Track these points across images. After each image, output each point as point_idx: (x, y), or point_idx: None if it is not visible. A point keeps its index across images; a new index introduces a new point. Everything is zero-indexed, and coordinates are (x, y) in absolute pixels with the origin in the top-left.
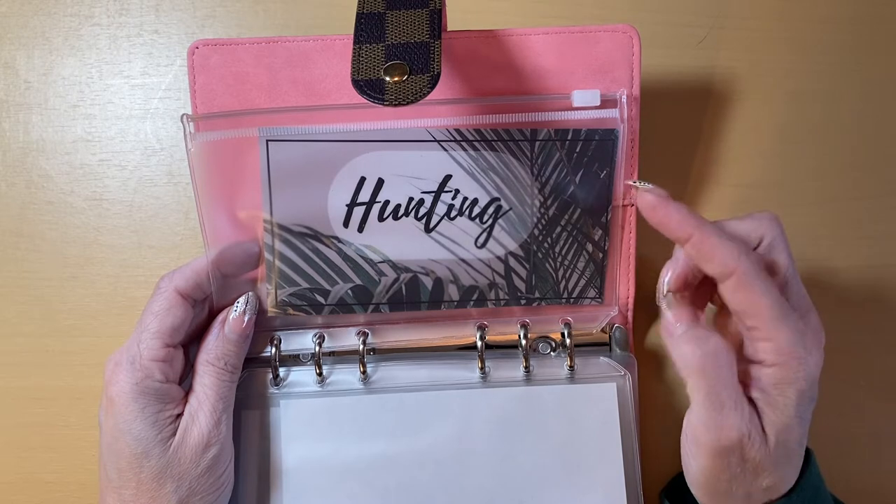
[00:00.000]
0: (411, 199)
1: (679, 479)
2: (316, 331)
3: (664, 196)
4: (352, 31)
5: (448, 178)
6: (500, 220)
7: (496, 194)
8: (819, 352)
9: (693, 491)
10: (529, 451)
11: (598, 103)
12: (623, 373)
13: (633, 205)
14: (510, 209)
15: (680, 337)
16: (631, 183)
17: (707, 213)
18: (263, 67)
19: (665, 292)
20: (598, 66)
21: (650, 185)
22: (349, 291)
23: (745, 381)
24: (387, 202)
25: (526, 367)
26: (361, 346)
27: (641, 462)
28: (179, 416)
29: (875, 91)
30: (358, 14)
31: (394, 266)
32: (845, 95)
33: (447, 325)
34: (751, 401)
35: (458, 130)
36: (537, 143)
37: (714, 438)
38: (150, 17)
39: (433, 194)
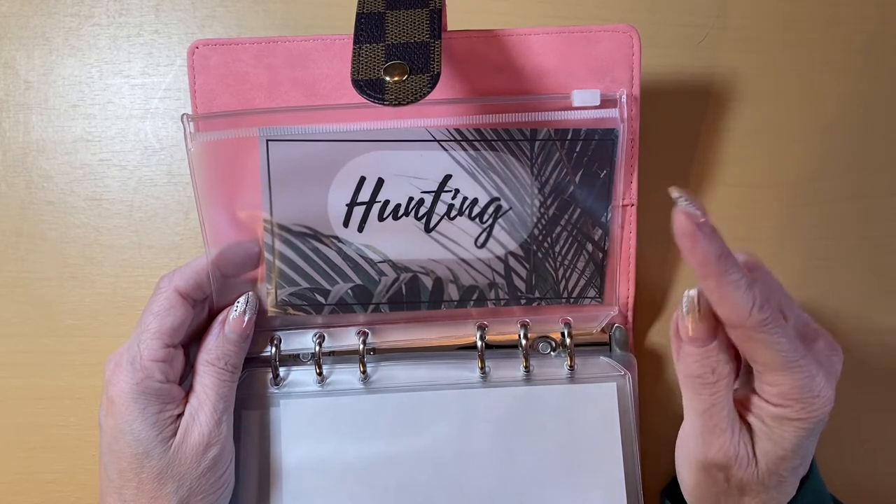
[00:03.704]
0: (411, 198)
1: None
2: (316, 331)
3: (702, 224)
4: (352, 31)
5: (448, 177)
6: (499, 220)
7: (496, 194)
8: (832, 386)
9: (686, 497)
10: (529, 451)
11: (598, 103)
12: (623, 373)
13: (633, 204)
14: (510, 209)
15: (691, 353)
16: (674, 194)
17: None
18: (263, 67)
19: (692, 296)
20: (598, 66)
21: (688, 205)
22: (349, 291)
23: (745, 405)
24: (387, 202)
25: (526, 367)
26: (361, 346)
27: (641, 462)
28: (180, 416)
29: (875, 91)
30: (358, 14)
31: (394, 266)
32: (845, 95)
33: (447, 324)
34: (747, 423)
35: (458, 130)
36: (537, 143)
37: (702, 455)
38: (150, 17)
39: (433, 194)
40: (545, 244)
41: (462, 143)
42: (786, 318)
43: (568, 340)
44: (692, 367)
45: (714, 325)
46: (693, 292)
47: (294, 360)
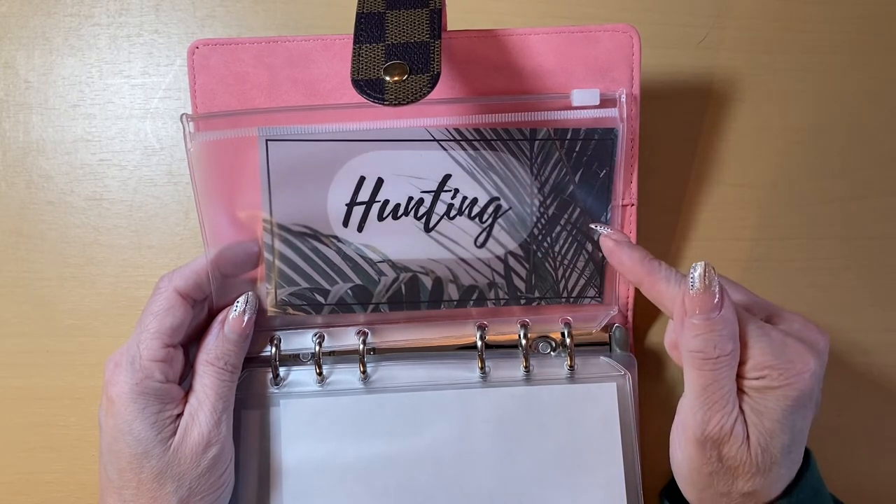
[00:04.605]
0: (411, 198)
1: None
2: (316, 330)
3: (621, 241)
4: (352, 31)
5: (447, 177)
6: (499, 220)
7: (496, 194)
8: (813, 357)
9: (679, 483)
10: (529, 451)
11: (598, 102)
12: (623, 373)
13: (633, 204)
14: (510, 208)
15: (694, 325)
16: (592, 226)
17: (707, 213)
18: (263, 67)
19: (699, 267)
20: (597, 65)
21: (607, 231)
22: (349, 291)
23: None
24: (386, 202)
25: (526, 367)
26: (361, 346)
27: (641, 462)
28: (179, 416)
29: (875, 91)
30: (358, 14)
31: (393, 265)
32: (845, 95)
33: (447, 324)
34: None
35: (457, 130)
36: (537, 143)
37: (699, 430)
38: (150, 17)
39: (433, 194)
40: (545, 244)
41: (462, 142)
42: (749, 309)
43: (568, 340)
44: (694, 342)
45: (721, 296)
46: (700, 264)
47: (294, 359)
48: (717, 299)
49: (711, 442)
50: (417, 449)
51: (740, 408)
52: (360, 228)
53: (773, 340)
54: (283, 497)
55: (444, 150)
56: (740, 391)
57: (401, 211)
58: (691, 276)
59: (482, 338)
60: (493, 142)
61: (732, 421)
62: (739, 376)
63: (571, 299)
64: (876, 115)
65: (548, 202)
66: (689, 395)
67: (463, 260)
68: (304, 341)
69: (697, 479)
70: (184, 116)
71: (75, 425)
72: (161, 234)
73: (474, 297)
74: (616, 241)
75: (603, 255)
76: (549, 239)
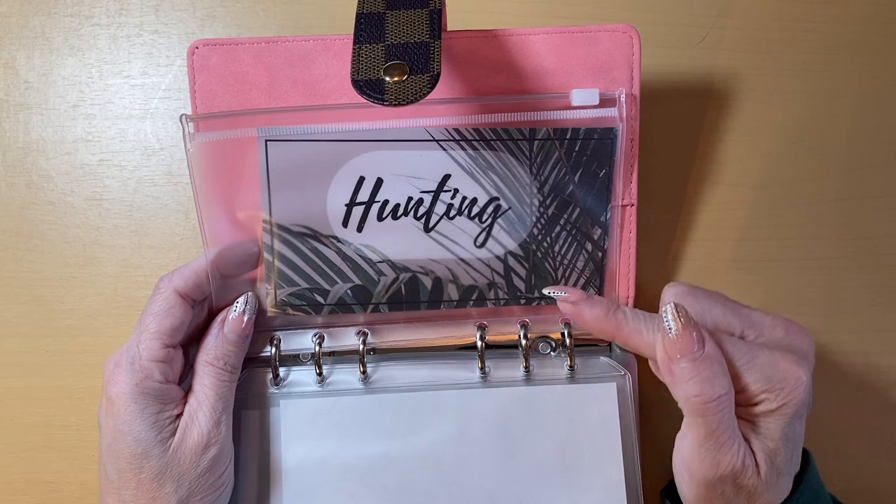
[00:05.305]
0: (410, 198)
1: None
2: (315, 331)
3: (579, 300)
4: (352, 31)
5: (447, 177)
6: (499, 220)
7: (495, 193)
8: (802, 368)
9: None
10: (529, 451)
11: (597, 102)
12: (623, 373)
13: (632, 204)
14: (509, 208)
15: (683, 370)
16: (546, 292)
17: (707, 213)
18: (263, 67)
19: (670, 305)
20: (597, 65)
21: (563, 294)
22: (348, 291)
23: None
24: (386, 202)
25: (526, 367)
26: (361, 346)
27: (641, 462)
28: (179, 416)
29: (875, 91)
30: (358, 14)
31: (393, 266)
32: (845, 95)
33: (447, 324)
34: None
35: (457, 130)
36: (536, 143)
37: (711, 473)
38: (150, 17)
39: (432, 194)
40: (544, 244)
41: (461, 142)
42: (725, 330)
43: (568, 340)
44: (690, 387)
45: (699, 332)
46: (669, 305)
47: (294, 360)
48: (695, 336)
49: (723, 481)
50: (417, 449)
51: (743, 436)
52: (359, 228)
53: (760, 363)
54: (283, 497)
55: (444, 150)
56: (739, 419)
57: (400, 211)
58: (665, 320)
59: (482, 338)
60: (492, 142)
61: (742, 456)
62: (736, 405)
63: None
64: (876, 115)
65: (547, 202)
66: (692, 441)
67: (463, 260)
68: (303, 341)
69: None
70: (183, 117)
71: (75, 425)
72: (161, 234)
73: (474, 297)
74: (573, 304)
75: (602, 255)
76: (548, 239)
